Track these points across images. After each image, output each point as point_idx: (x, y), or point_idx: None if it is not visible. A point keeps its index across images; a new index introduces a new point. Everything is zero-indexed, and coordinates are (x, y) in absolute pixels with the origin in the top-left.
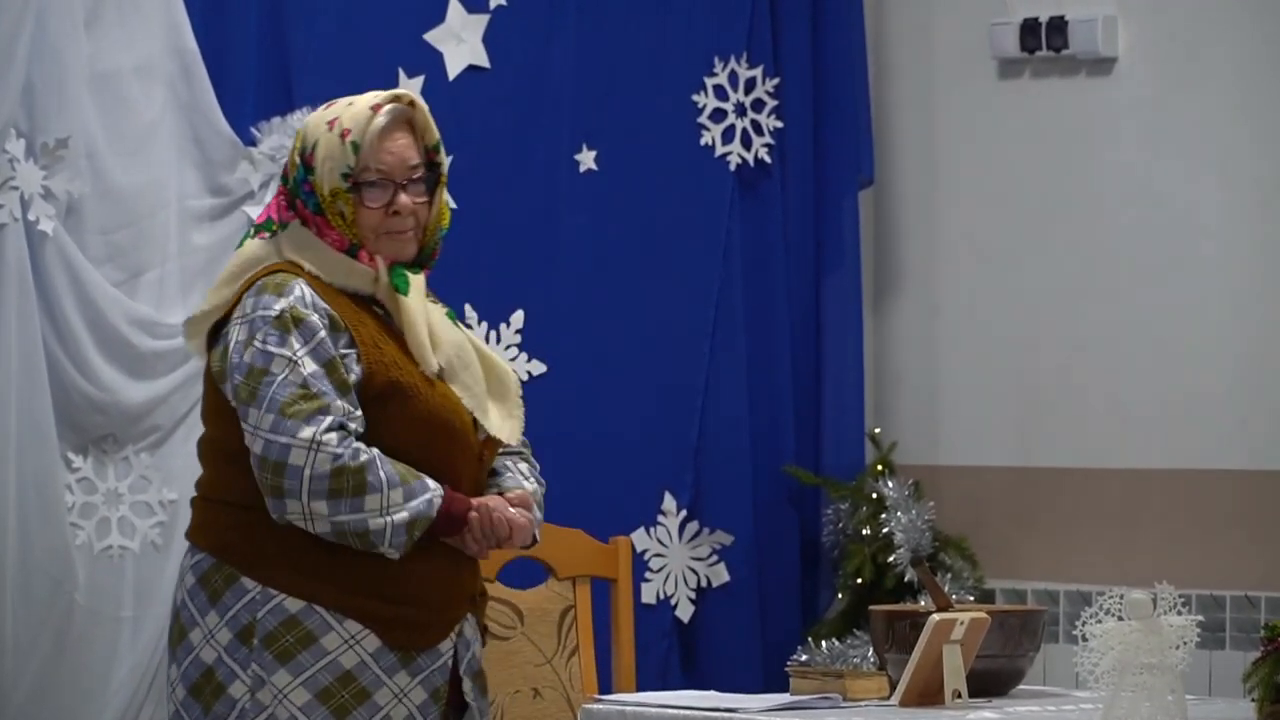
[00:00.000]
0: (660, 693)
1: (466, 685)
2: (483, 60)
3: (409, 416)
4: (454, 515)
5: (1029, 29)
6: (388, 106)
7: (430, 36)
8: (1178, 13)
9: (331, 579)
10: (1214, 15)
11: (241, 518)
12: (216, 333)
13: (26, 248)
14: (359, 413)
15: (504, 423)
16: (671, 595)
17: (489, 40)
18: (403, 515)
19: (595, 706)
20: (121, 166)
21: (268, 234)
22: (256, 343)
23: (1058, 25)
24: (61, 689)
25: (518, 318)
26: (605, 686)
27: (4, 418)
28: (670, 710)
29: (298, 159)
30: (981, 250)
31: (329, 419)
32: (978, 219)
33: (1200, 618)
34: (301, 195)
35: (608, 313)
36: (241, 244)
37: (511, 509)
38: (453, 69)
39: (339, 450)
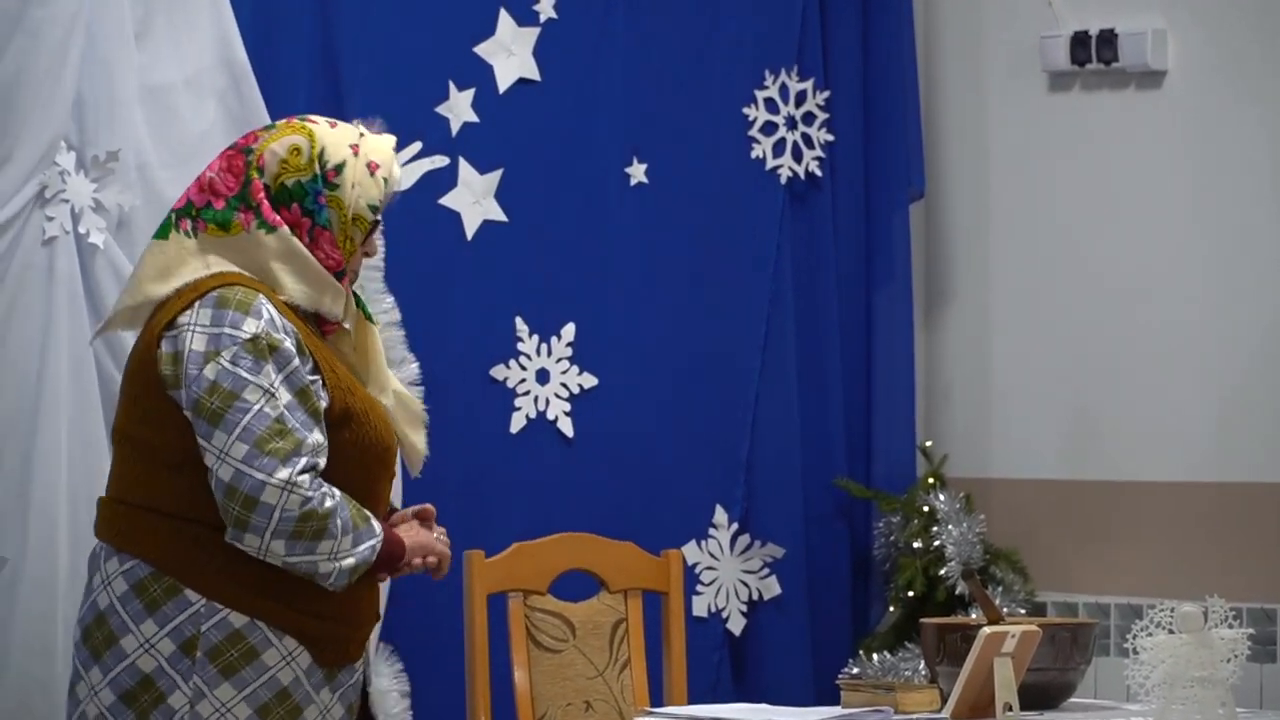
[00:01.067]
0: (711, 705)
1: (371, 700)
2: (533, 73)
3: (355, 442)
4: (391, 557)
5: (1079, 42)
6: (395, 154)
7: (481, 49)
8: (1227, 26)
9: (273, 595)
10: (1263, 28)
11: (184, 529)
12: (155, 332)
13: (77, 260)
14: (325, 442)
15: (419, 455)
16: (723, 608)
17: (539, 53)
18: (349, 561)
19: (648, 719)
20: (172, 179)
21: (190, 223)
22: (225, 362)
23: (1107, 38)
24: None
25: (568, 331)
26: (657, 699)
27: (55, 429)
28: None
29: (315, 168)
30: (1031, 263)
31: (303, 460)
32: (1028, 232)
33: (1251, 631)
34: (310, 204)
35: (658, 326)
36: (164, 233)
37: (431, 536)
38: (503, 82)
39: (310, 494)
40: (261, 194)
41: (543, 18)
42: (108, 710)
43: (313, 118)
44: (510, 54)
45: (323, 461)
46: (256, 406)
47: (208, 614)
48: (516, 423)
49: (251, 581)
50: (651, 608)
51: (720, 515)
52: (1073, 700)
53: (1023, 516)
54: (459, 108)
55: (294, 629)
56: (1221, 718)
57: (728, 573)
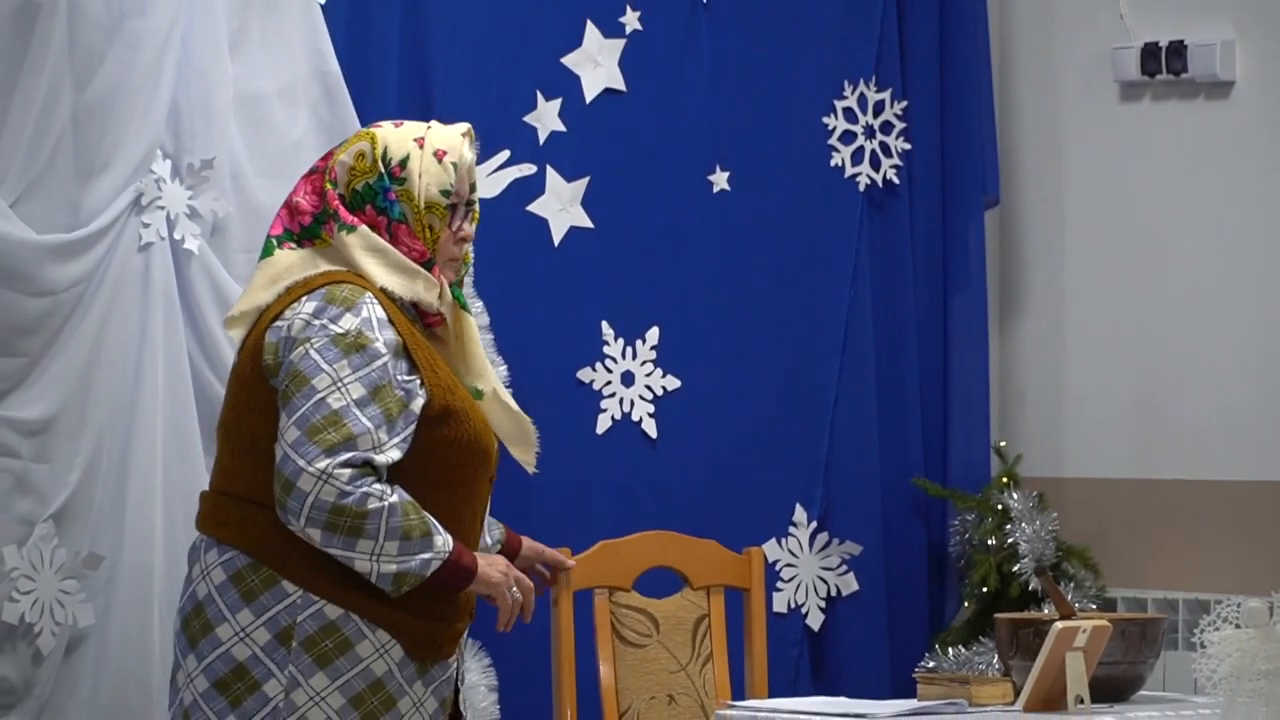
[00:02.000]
0: (791, 699)
1: (461, 696)
2: (619, 83)
3: (454, 440)
4: (455, 580)
5: (1149, 53)
6: (470, 139)
7: (568, 60)
8: None
9: (366, 589)
10: None
11: (282, 522)
12: (264, 324)
13: (172, 265)
14: (394, 441)
15: (528, 453)
16: (802, 604)
17: (625, 64)
18: (389, 568)
19: (729, 712)
20: (265, 187)
21: (294, 245)
22: (312, 350)
23: (1177, 49)
24: None
25: (653, 334)
26: (739, 693)
27: (151, 429)
28: (801, 715)
29: (380, 168)
30: (1103, 268)
31: (350, 454)
32: (1100, 238)
33: None
34: (381, 202)
35: (740, 329)
36: (269, 253)
37: (505, 585)
38: (590, 92)
39: (348, 488)
40: (337, 202)
41: (628, 29)
42: (201, 697)
43: (380, 123)
44: (597, 65)
45: (382, 458)
46: (320, 395)
47: (304, 605)
48: (602, 424)
49: (346, 575)
50: (733, 604)
51: (800, 514)
52: (1142, 693)
53: (1094, 515)
54: (546, 117)
55: (386, 623)
56: None
57: (807, 570)
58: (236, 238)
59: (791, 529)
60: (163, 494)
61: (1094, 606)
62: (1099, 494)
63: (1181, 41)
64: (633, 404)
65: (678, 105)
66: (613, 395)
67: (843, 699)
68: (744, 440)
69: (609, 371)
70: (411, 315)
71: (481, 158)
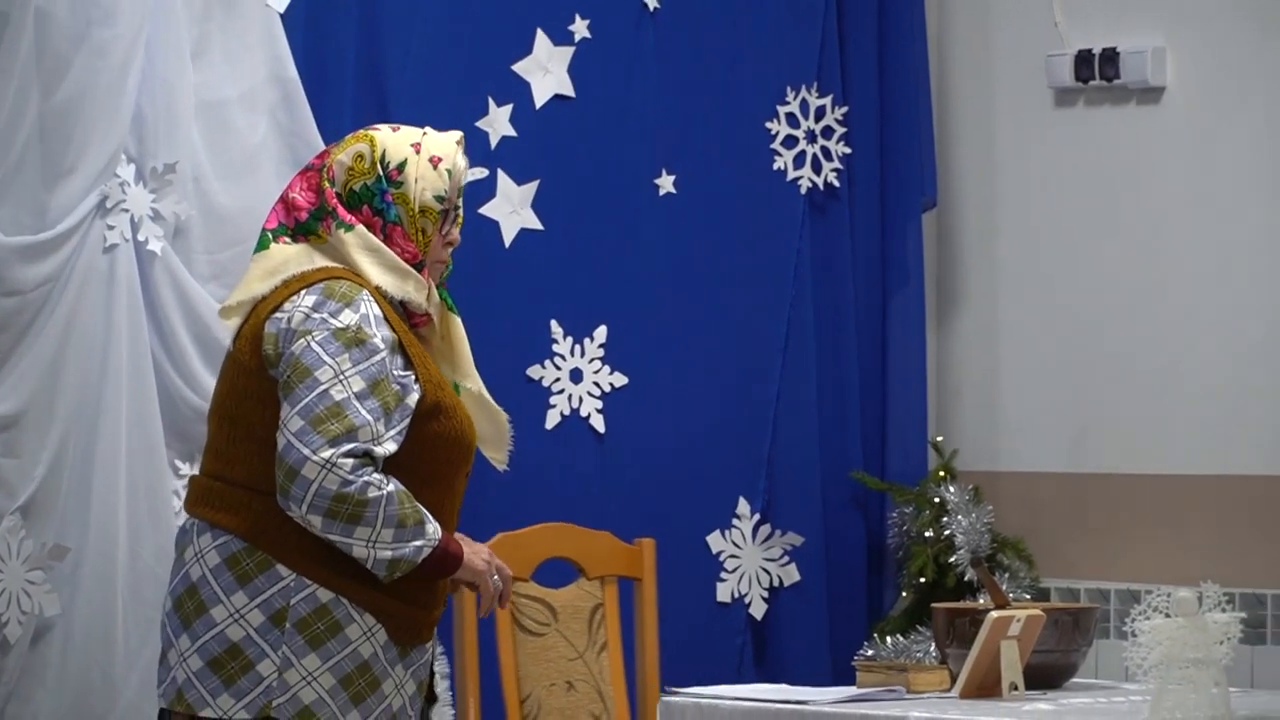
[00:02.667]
0: (735, 686)
1: (435, 680)
2: (568, 90)
3: (442, 434)
4: (443, 565)
5: (1083, 60)
6: (461, 147)
7: (518, 67)
8: (1224, 44)
9: (355, 575)
10: (1259, 46)
11: (277, 507)
12: (262, 315)
13: (136, 267)
14: (390, 433)
15: (501, 451)
16: (745, 594)
17: (574, 71)
18: (385, 554)
19: (674, 699)
20: (226, 190)
21: (289, 240)
22: (314, 343)
23: (1110, 56)
24: None
25: (601, 333)
26: (632, 679)
27: (115, 428)
28: (744, 702)
29: (378, 170)
30: (1037, 269)
31: (352, 444)
32: (1034, 240)
33: (1243, 615)
34: (378, 204)
35: (685, 328)
36: (264, 246)
37: (487, 571)
38: (540, 98)
39: (350, 477)
40: (335, 200)
41: (577, 37)
42: (195, 675)
43: (377, 126)
44: (546, 72)
45: (380, 449)
46: (323, 387)
47: (297, 588)
48: (551, 420)
49: (337, 560)
50: (627, 593)
51: (743, 506)
52: (1074, 680)
53: (1028, 507)
54: (498, 122)
55: (373, 607)
56: (1215, 697)
57: (750, 561)
58: (198, 239)
59: (735, 521)
60: (126, 487)
61: (1028, 596)
62: (1033, 487)
63: (1114, 48)
64: (581, 400)
65: (625, 111)
66: (561, 392)
67: (785, 686)
68: (689, 435)
69: (558, 369)
70: (400, 314)
71: None
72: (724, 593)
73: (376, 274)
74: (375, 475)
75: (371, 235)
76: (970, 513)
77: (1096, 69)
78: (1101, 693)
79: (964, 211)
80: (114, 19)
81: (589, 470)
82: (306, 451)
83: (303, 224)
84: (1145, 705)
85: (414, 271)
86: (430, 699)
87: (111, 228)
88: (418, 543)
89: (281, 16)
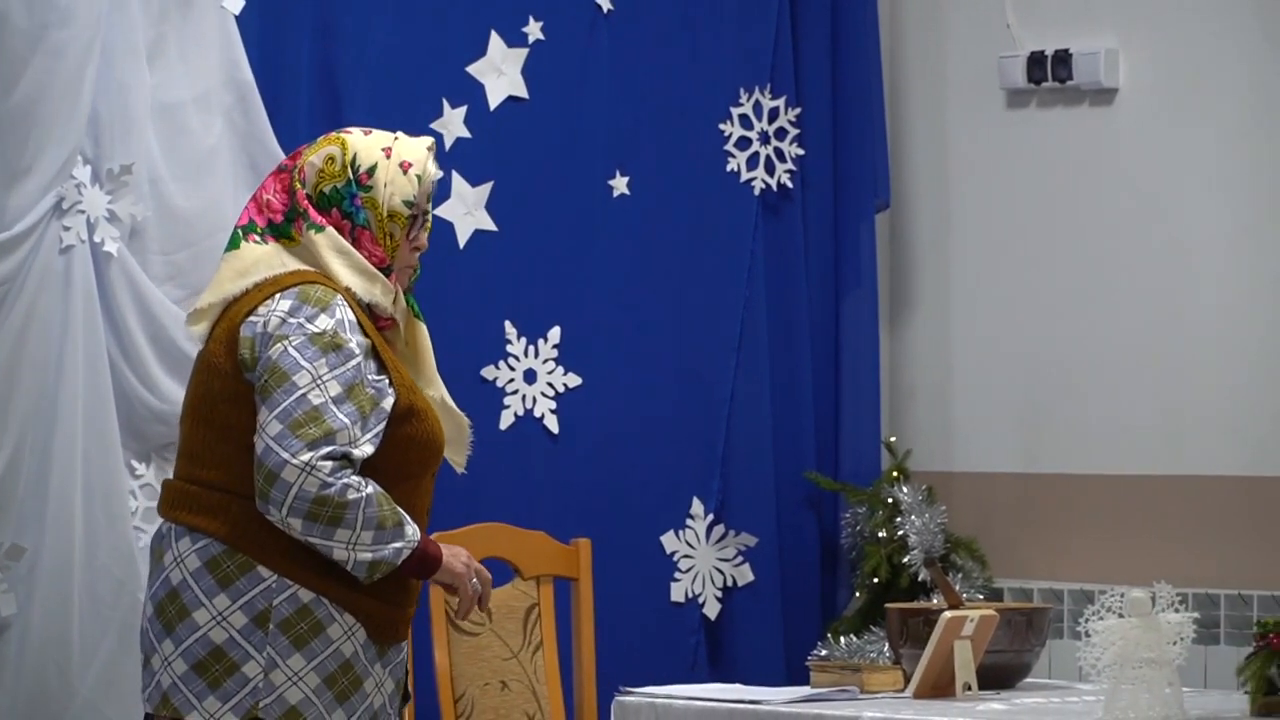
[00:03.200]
0: (689, 685)
1: (410, 678)
2: (522, 91)
3: (414, 436)
4: (423, 566)
5: (1035, 61)
6: (433, 154)
7: (473, 69)
8: (1175, 46)
9: (335, 575)
10: (1209, 47)
11: (256, 510)
12: (237, 319)
13: (93, 268)
14: (367, 436)
15: (461, 454)
16: (699, 594)
17: (528, 72)
18: (365, 556)
19: (628, 699)
20: (181, 191)
21: (258, 237)
22: (290, 347)
23: (1062, 58)
24: (125, 680)
25: (555, 333)
26: (568, 679)
27: (71, 428)
28: (698, 702)
29: (348, 174)
30: (990, 270)
31: (330, 447)
32: (987, 241)
33: (1196, 615)
34: (347, 207)
35: (639, 329)
36: (235, 245)
37: (466, 575)
38: (494, 99)
39: (329, 480)
40: (306, 202)
41: (531, 39)
42: (180, 679)
43: (349, 129)
44: (500, 74)
45: (358, 452)
46: (301, 391)
47: (279, 589)
48: (505, 420)
49: (317, 561)
50: (562, 593)
51: (697, 506)
52: (1028, 680)
53: (981, 508)
54: (452, 124)
55: (353, 607)
56: (1168, 696)
57: (704, 561)
58: (154, 240)
59: (689, 521)
60: (83, 487)
61: (981, 596)
62: (986, 487)
63: (1067, 50)
64: (535, 401)
65: (579, 112)
66: (516, 392)
67: (738, 686)
68: (642, 435)
69: (512, 369)
70: (367, 317)
71: None
72: (678, 593)
73: (346, 275)
74: (354, 478)
75: (341, 237)
76: (923, 513)
77: (1049, 70)
78: (1055, 693)
79: (917, 213)
80: (70, 21)
81: (542, 470)
82: (286, 455)
83: (277, 225)
84: (1099, 705)
85: (381, 275)
86: (405, 697)
87: (68, 229)
88: (397, 544)
89: (237, 19)
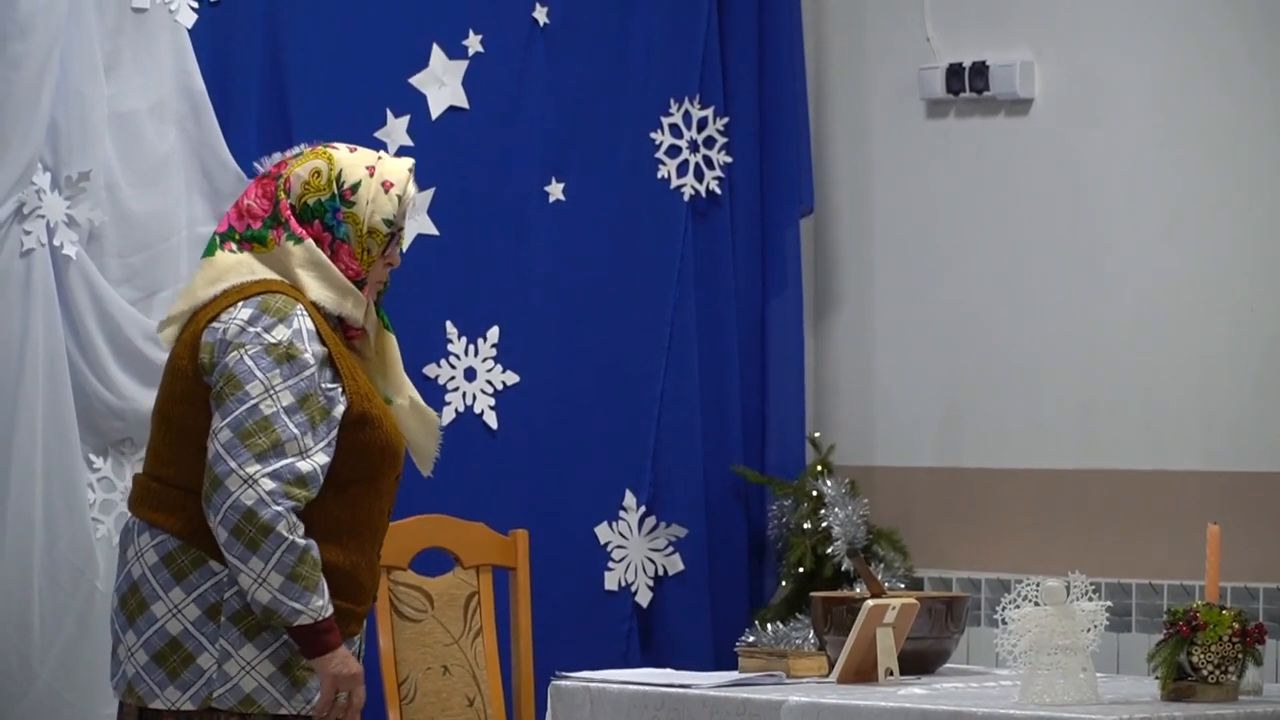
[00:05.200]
0: (622, 670)
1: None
2: (462, 101)
3: (368, 442)
4: (315, 642)
5: (954, 73)
6: (413, 175)
7: (415, 80)
8: (1086, 59)
9: None
10: (1118, 60)
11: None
12: (200, 324)
13: (52, 270)
14: (319, 445)
15: (429, 458)
16: (632, 583)
17: (468, 83)
18: (264, 597)
19: (563, 683)
20: (137, 197)
21: (234, 244)
22: (246, 356)
23: (980, 70)
24: (82, 666)
25: (493, 333)
26: (506, 664)
27: (32, 423)
28: (631, 686)
29: (333, 188)
30: (910, 272)
31: (279, 463)
32: (907, 245)
33: (1109, 603)
34: (329, 220)
35: (574, 328)
36: (211, 252)
37: (358, 692)
38: (435, 109)
39: (266, 499)
40: (288, 212)
41: (471, 52)
42: (142, 669)
43: (335, 145)
44: (442, 85)
45: (308, 464)
46: (253, 401)
47: (229, 583)
48: (446, 416)
49: None
50: (504, 582)
51: (629, 499)
52: (947, 666)
53: (902, 500)
54: (395, 133)
55: None
56: (1082, 681)
57: (636, 551)
58: (111, 243)
59: (622, 513)
60: (42, 479)
61: (902, 585)
62: (907, 481)
63: (984, 62)
64: (475, 398)
65: (517, 121)
66: (456, 389)
67: (669, 671)
68: (577, 431)
69: (453, 367)
70: (334, 325)
71: None
72: (611, 581)
73: (315, 288)
74: (293, 519)
75: (319, 250)
76: (847, 505)
77: (967, 82)
78: (973, 677)
79: (840, 217)
80: (29, 33)
81: (482, 464)
82: (233, 464)
83: (254, 231)
84: (1015, 689)
85: (355, 289)
86: None
87: (28, 233)
88: (297, 605)
89: (189, 32)
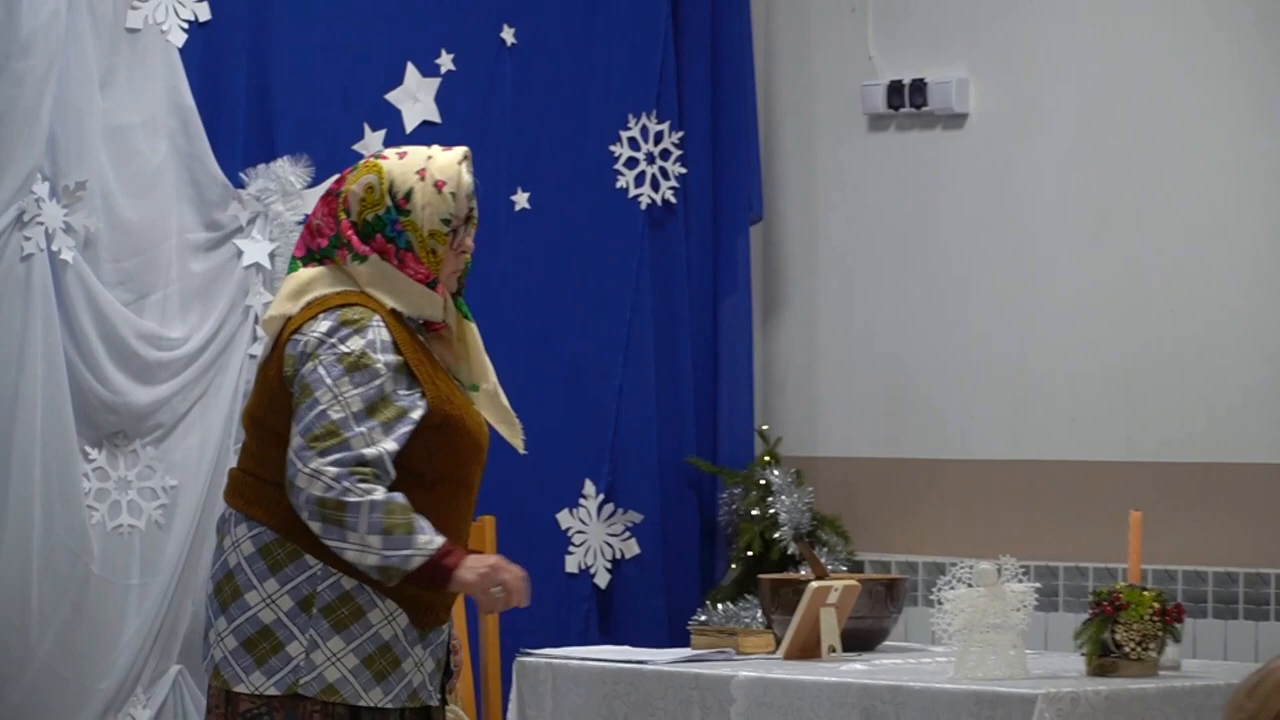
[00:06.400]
0: (582, 648)
1: (453, 657)
2: (435, 116)
3: (453, 443)
4: (438, 573)
5: (894, 89)
6: (467, 162)
7: (390, 96)
8: (1019, 76)
9: None
10: (1050, 77)
11: None
12: (285, 335)
13: (50, 274)
14: (391, 436)
15: (516, 437)
16: (591, 566)
17: (440, 99)
18: (373, 560)
19: (528, 660)
20: (131, 205)
21: (315, 264)
22: (320, 366)
23: (919, 86)
24: (79, 646)
25: None
26: (475, 642)
27: (31, 417)
28: (591, 662)
29: (387, 201)
30: (853, 276)
31: (341, 454)
32: (850, 250)
33: (1038, 585)
34: (389, 232)
35: (539, 329)
36: (293, 269)
37: (496, 570)
38: (409, 123)
39: (331, 483)
40: (350, 231)
41: (443, 70)
42: (230, 654)
43: (385, 153)
44: (416, 100)
45: (372, 451)
46: (322, 407)
47: (323, 576)
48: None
49: None
50: None
51: (589, 487)
52: (887, 643)
53: (844, 488)
54: (372, 146)
55: (394, 594)
56: (1013, 658)
57: (595, 536)
58: (106, 249)
59: (582, 500)
60: (41, 470)
61: (844, 568)
62: (849, 471)
63: (923, 79)
64: None
65: (485, 135)
66: None
67: (626, 648)
68: (541, 425)
69: None
70: (418, 326)
71: (314, 180)
72: (572, 564)
73: (390, 301)
74: (361, 484)
75: (385, 263)
76: (792, 493)
77: (906, 97)
78: (911, 654)
79: (787, 225)
80: (30, 52)
81: None
82: (299, 465)
83: (324, 249)
84: (950, 665)
85: (428, 290)
86: (448, 673)
87: (28, 239)
88: (406, 551)
89: (180, 51)
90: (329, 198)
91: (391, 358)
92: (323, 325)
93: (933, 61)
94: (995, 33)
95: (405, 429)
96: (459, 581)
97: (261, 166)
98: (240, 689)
